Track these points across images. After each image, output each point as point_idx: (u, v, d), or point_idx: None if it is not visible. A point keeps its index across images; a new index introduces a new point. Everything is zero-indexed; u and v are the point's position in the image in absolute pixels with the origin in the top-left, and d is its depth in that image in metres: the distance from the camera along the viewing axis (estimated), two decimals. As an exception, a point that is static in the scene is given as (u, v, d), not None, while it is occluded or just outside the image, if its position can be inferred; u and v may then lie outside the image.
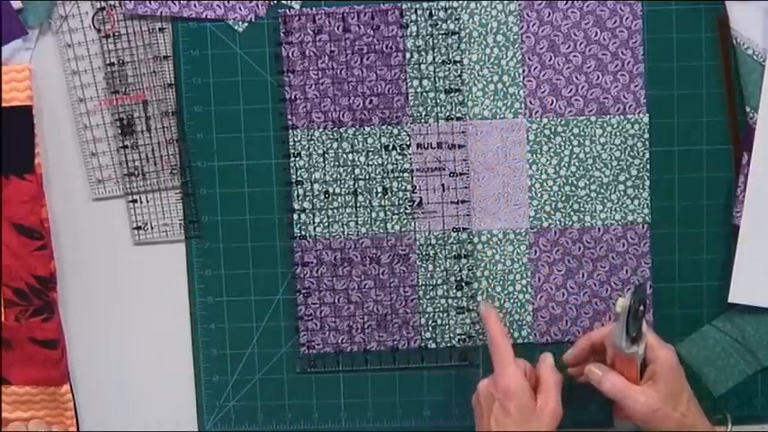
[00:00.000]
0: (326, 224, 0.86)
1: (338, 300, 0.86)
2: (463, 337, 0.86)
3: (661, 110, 0.84)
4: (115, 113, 0.86)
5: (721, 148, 0.84)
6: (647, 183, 0.85)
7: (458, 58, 0.84)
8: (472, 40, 0.84)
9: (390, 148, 0.85)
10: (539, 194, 0.85)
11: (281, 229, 0.86)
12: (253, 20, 0.84)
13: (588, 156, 0.85)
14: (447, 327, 0.86)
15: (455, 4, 0.84)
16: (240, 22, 0.84)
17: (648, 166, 0.84)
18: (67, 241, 0.87)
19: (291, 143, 0.85)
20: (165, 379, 0.88)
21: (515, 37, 0.84)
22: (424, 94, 0.85)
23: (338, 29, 0.84)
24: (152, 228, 0.87)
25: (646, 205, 0.85)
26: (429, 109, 0.85)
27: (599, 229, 0.85)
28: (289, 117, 0.85)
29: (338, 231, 0.86)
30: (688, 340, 0.85)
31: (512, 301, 0.86)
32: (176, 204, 0.87)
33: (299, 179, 0.86)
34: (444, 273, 0.86)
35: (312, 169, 0.85)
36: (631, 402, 0.75)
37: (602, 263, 0.85)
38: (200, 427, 0.88)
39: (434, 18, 0.84)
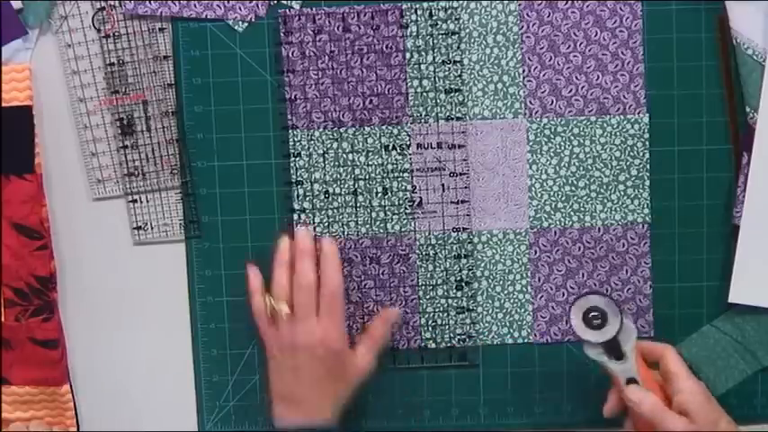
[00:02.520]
0: (326, 224, 0.86)
1: (338, 300, 0.86)
2: (463, 337, 0.86)
3: (661, 110, 0.84)
4: (115, 113, 0.86)
5: (721, 148, 0.84)
6: (647, 183, 0.85)
7: (458, 58, 0.84)
8: (472, 40, 0.84)
9: (390, 148, 0.85)
10: (539, 194, 0.85)
11: (281, 229, 0.86)
12: (253, 20, 0.84)
13: (588, 156, 0.85)
14: (447, 327, 0.86)
15: (455, 4, 0.84)
16: (240, 22, 0.84)
17: (648, 166, 0.84)
18: (67, 241, 0.87)
19: (291, 143, 0.85)
20: (165, 379, 0.88)
21: (515, 37, 0.84)
22: (424, 94, 0.85)
23: (338, 29, 0.84)
24: (152, 228, 0.87)
25: (646, 205, 0.85)
26: (429, 109, 0.85)
27: (599, 229, 0.85)
28: (289, 117, 0.85)
29: (338, 231, 0.86)
30: (688, 340, 0.85)
31: (512, 301, 0.86)
32: (176, 204, 0.87)
33: (299, 179, 0.86)
34: (444, 273, 0.86)
35: (312, 169, 0.85)
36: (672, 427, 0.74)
37: (602, 263, 0.85)
38: (200, 427, 0.88)
39: (434, 18, 0.84)
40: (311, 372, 0.80)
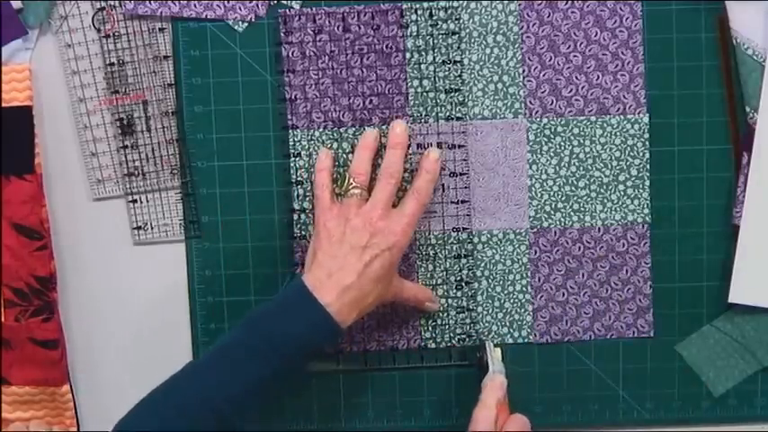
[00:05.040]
0: (326, 224, 0.86)
1: (338, 300, 0.86)
2: (463, 337, 0.86)
3: (661, 110, 0.84)
4: (115, 113, 0.86)
5: (721, 148, 0.84)
6: (647, 183, 0.85)
7: (458, 58, 0.84)
8: (472, 40, 0.84)
9: (390, 148, 0.85)
10: (539, 194, 0.85)
11: (281, 229, 0.86)
12: (253, 20, 0.84)
13: (588, 156, 0.85)
14: (447, 327, 0.86)
15: (455, 4, 0.84)
16: (240, 22, 0.84)
17: (648, 166, 0.84)
18: (67, 241, 0.87)
19: (291, 143, 0.85)
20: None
21: (515, 37, 0.84)
22: (424, 94, 0.85)
23: (338, 29, 0.84)
24: (152, 228, 0.87)
25: (646, 205, 0.85)
26: (429, 109, 0.85)
27: (599, 229, 0.85)
28: (289, 117, 0.85)
29: (338, 231, 0.86)
30: (688, 340, 0.85)
31: (512, 301, 0.86)
32: (176, 204, 0.87)
33: (298, 179, 0.86)
34: (444, 273, 0.86)
35: (312, 169, 0.85)
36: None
37: (602, 263, 0.85)
38: (201, 427, 0.88)
39: (434, 18, 0.84)
40: (372, 259, 0.77)
